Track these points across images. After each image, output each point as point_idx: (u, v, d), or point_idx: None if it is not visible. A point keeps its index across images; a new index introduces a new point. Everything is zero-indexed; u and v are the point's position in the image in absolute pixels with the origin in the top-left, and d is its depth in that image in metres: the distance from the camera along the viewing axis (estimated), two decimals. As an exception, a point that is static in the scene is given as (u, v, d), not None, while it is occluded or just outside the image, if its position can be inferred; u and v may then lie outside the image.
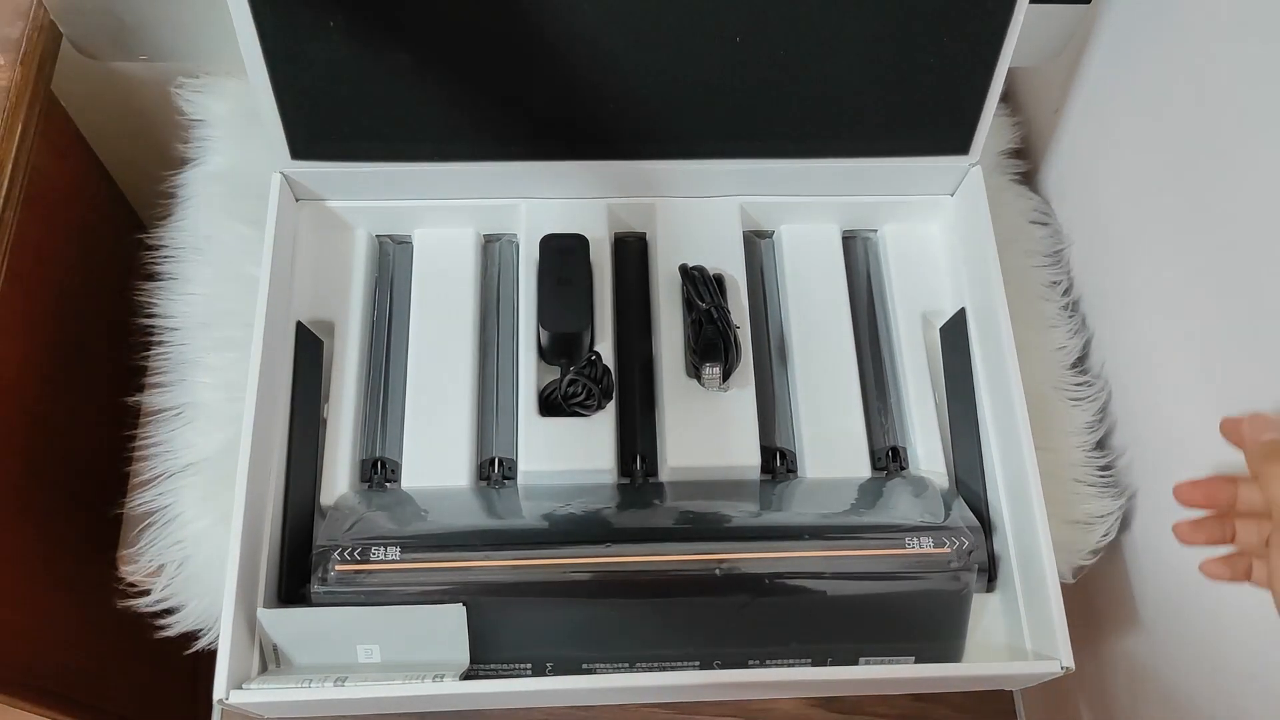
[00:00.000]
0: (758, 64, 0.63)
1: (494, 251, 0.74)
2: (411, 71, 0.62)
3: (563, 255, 0.68)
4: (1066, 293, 0.76)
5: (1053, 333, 0.74)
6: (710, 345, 0.65)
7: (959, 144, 0.68)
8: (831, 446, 0.67)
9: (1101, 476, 0.70)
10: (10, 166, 0.65)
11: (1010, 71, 0.65)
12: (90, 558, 0.78)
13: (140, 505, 0.66)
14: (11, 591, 0.72)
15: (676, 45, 0.62)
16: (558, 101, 0.64)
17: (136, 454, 0.68)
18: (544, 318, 0.66)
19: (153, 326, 0.70)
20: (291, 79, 0.61)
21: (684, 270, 0.69)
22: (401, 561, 0.57)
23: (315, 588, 0.56)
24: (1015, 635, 0.62)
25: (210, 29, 0.71)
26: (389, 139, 0.65)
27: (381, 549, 0.57)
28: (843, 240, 0.74)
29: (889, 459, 0.67)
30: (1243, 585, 0.58)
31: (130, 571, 0.66)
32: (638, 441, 0.67)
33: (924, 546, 0.59)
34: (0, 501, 0.70)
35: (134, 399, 0.70)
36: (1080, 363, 0.74)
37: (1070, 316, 0.75)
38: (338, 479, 0.64)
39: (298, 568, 0.61)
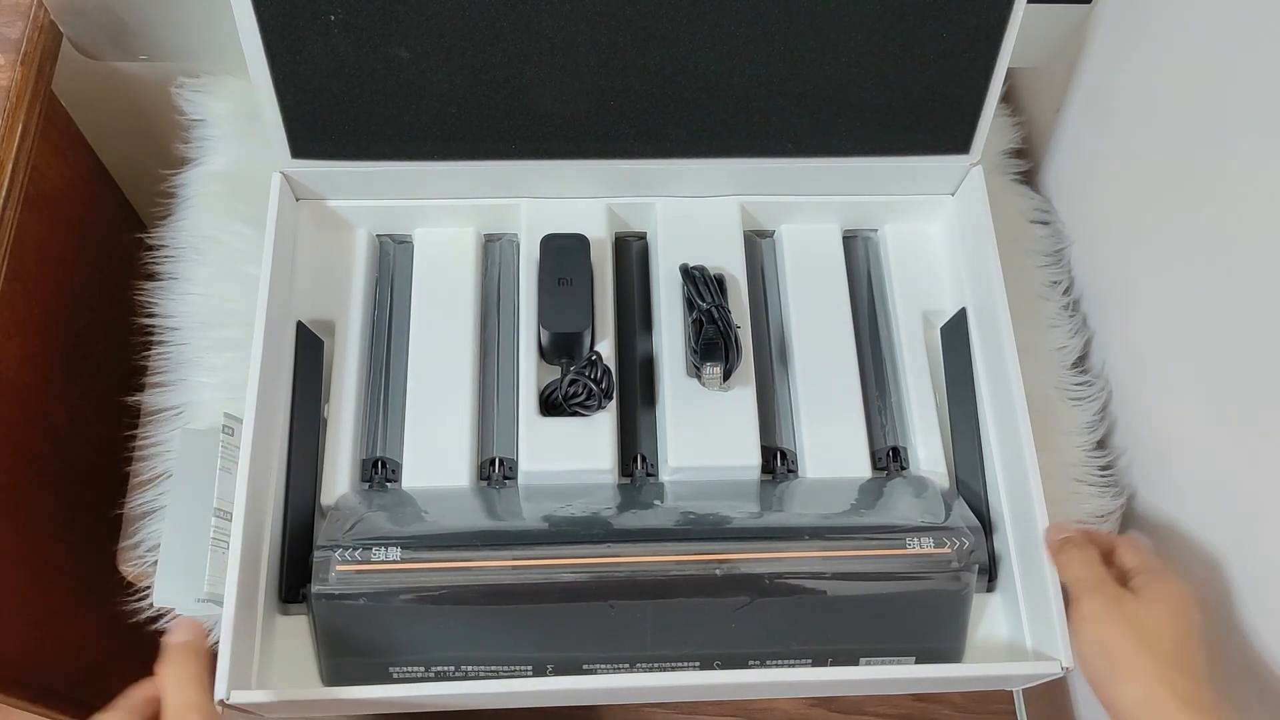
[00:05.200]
0: (758, 63, 0.63)
1: (494, 251, 0.74)
2: (412, 69, 0.62)
3: (563, 255, 0.68)
4: (1067, 292, 0.76)
5: (1053, 332, 0.74)
6: (711, 345, 0.65)
7: (959, 143, 0.68)
8: (832, 446, 0.67)
9: (1102, 476, 0.70)
10: (10, 166, 0.65)
11: (1011, 71, 0.65)
12: (90, 558, 0.78)
13: (140, 505, 0.66)
14: (11, 592, 0.72)
15: (677, 44, 0.62)
16: (558, 100, 0.64)
17: (136, 454, 0.68)
18: (544, 318, 0.66)
19: (153, 326, 0.70)
20: (293, 75, 0.61)
21: (684, 270, 0.69)
22: (402, 562, 0.57)
23: (316, 588, 0.56)
24: (1015, 635, 0.62)
25: (210, 28, 0.71)
26: (390, 138, 0.65)
27: (382, 549, 0.57)
28: (843, 240, 0.74)
29: (889, 459, 0.67)
30: (1245, 588, 0.59)
31: (130, 571, 0.66)
32: (638, 441, 0.67)
33: (924, 547, 0.59)
34: (0, 501, 0.70)
35: (134, 399, 0.70)
36: (1080, 363, 0.74)
37: (1070, 316, 0.75)
38: (338, 479, 0.64)
39: (298, 568, 0.61)
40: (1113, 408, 0.72)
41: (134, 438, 0.69)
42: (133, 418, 0.70)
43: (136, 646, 0.67)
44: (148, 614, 0.64)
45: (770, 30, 0.61)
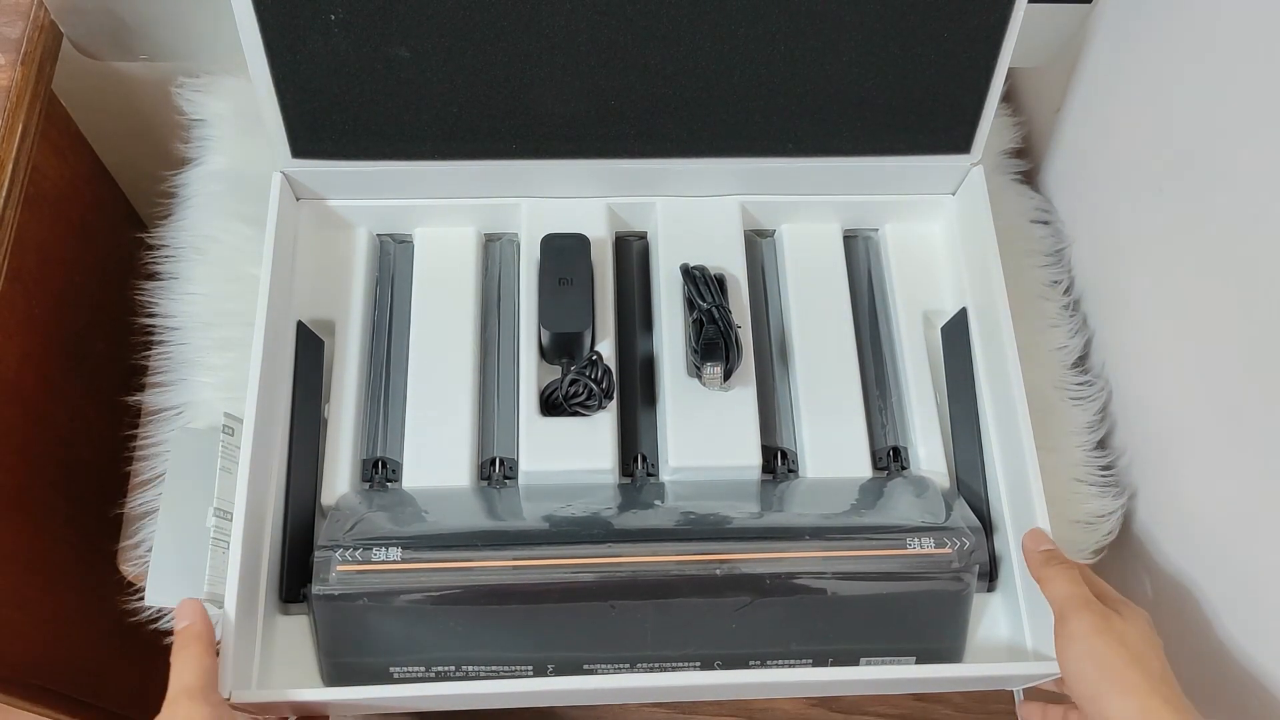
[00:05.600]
0: (758, 62, 0.63)
1: (495, 251, 0.73)
2: (412, 68, 0.62)
3: (563, 255, 0.68)
4: (1067, 292, 0.76)
5: (1053, 332, 0.74)
6: (711, 345, 0.65)
7: (960, 143, 0.68)
8: (832, 446, 0.67)
9: (1102, 476, 0.70)
10: (10, 166, 0.65)
11: (1011, 71, 0.65)
12: (90, 557, 0.78)
13: (140, 505, 0.66)
14: (11, 591, 0.72)
15: (677, 44, 0.62)
16: (559, 100, 0.64)
17: (136, 454, 0.68)
18: (545, 318, 0.66)
19: (153, 326, 0.70)
20: (293, 74, 0.61)
21: (685, 270, 0.69)
22: (403, 562, 0.57)
23: (316, 588, 0.56)
24: (1015, 635, 0.62)
25: (210, 28, 0.71)
26: (390, 137, 0.65)
27: (383, 549, 0.57)
28: (844, 239, 0.74)
29: (890, 459, 0.67)
30: (1244, 588, 0.59)
31: (130, 571, 0.66)
32: (639, 441, 0.67)
33: (925, 547, 0.59)
34: (1, 501, 0.70)
35: (134, 399, 0.70)
36: (1081, 362, 0.74)
37: (1071, 316, 0.75)
38: (338, 479, 0.64)
39: (298, 568, 0.61)
40: (1113, 408, 0.72)
41: (134, 438, 0.69)
42: (133, 418, 0.70)
43: (137, 646, 0.67)
44: (147, 614, 0.64)
45: (770, 30, 0.61)
